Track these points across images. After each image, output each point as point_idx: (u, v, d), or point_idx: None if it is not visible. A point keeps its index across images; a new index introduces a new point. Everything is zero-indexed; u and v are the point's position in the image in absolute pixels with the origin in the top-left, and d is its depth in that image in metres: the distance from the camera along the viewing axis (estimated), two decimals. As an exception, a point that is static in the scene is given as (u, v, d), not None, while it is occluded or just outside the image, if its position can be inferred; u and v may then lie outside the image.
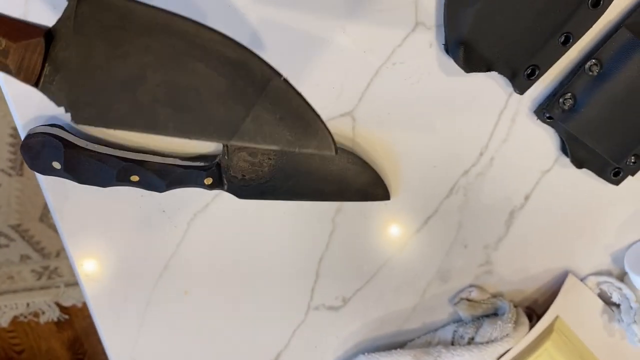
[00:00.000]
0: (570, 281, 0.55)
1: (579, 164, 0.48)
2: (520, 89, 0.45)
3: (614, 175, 0.50)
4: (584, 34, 0.43)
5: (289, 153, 0.45)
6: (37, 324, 1.43)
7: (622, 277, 0.56)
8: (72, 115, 0.29)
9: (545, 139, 0.49)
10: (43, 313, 1.43)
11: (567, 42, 0.43)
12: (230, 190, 0.45)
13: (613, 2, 0.42)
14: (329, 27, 0.42)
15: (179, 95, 0.28)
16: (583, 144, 0.47)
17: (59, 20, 0.28)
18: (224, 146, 0.44)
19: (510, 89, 0.45)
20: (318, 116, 0.30)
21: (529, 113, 0.47)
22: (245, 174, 0.45)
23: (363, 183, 0.48)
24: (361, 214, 0.51)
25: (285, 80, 0.29)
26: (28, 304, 1.41)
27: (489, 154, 0.49)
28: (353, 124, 0.46)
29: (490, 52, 0.42)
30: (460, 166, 0.49)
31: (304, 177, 0.46)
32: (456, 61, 0.42)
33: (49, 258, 1.38)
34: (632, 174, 0.49)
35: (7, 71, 0.27)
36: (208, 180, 0.44)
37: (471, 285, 0.55)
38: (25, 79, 0.28)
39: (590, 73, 0.44)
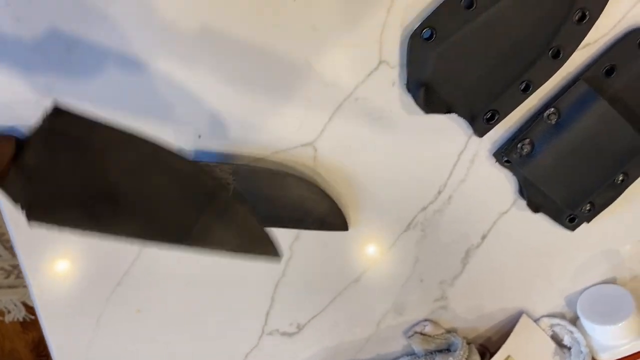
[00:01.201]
0: (523, 321, 0.56)
1: (535, 208, 0.49)
2: (480, 132, 0.45)
3: (570, 221, 0.50)
4: (543, 82, 0.44)
5: (249, 177, 0.45)
6: (1, 323, 1.41)
7: (575, 320, 0.57)
8: (27, 215, 0.31)
9: (504, 181, 0.49)
10: (8, 312, 1.40)
11: (527, 90, 0.44)
12: None
13: (573, 55, 0.43)
14: (293, 59, 0.42)
15: (136, 202, 0.31)
16: (539, 189, 0.47)
17: (32, 132, 0.30)
18: None
19: (470, 130, 0.46)
20: (262, 228, 0.35)
21: (488, 155, 0.48)
22: None
23: (322, 213, 0.48)
24: (319, 243, 0.51)
25: (234, 191, 0.34)
26: (-6, 302, 1.39)
27: (447, 192, 0.49)
28: (314, 154, 0.47)
29: (450, 95, 0.43)
30: (418, 202, 0.50)
31: (262, 203, 0.46)
32: (416, 102, 0.43)
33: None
34: (588, 221, 0.50)
35: None
36: None
37: (426, 320, 0.56)
38: None
39: (549, 121, 0.45)
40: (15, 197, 0.31)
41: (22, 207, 0.31)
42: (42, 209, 0.31)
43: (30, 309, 1.40)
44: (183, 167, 0.32)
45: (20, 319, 1.41)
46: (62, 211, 0.31)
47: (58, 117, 0.30)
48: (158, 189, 0.32)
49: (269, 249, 0.36)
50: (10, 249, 1.36)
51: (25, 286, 1.39)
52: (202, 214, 0.32)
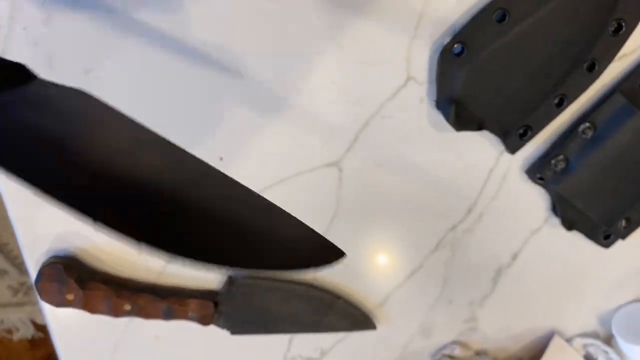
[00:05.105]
0: (556, 342, 0.54)
1: (569, 225, 0.47)
2: (512, 148, 0.43)
3: (605, 238, 0.48)
4: (578, 96, 0.42)
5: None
6: (10, 341, 1.39)
7: (609, 340, 0.55)
8: (231, 330, 0.49)
9: (536, 198, 0.47)
10: (17, 330, 1.39)
11: (562, 104, 0.42)
12: None
13: (609, 67, 0.42)
14: (318, 78, 0.41)
15: (283, 322, 0.50)
16: (574, 206, 0.46)
17: (220, 296, 0.48)
18: None
19: (502, 147, 0.44)
20: (366, 315, 0.51)
21: (519, 172, 0.46)
22: None
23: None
24: (343, 266, 0.49)
25: (345, 301, 0.49)
26: (2, 320, 1.37)
27: (477, 211, 0.47)
28: (340, 175, 0.45)
29: (482, 111, 0.41)
30: (447, 221, 0.48)
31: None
32: (447, 119, 0.41)
33: (27, 274, 1.34)
34: (623, 238, 0.48)
35: (193, 319, 0.48)
36: None
37: (454, 342, 0.54)
38: (204, 322, 0.48)
39: (584, 136, 0.43)
40: (221, 325, 0.49)
41: (228, 329, 0.49)
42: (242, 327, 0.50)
43: (39, 327, 1.39)
44: (315, 293, 0.49)
45: (29, 337, 1.40)
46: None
47: (233, 284, 0.48)
48: (297, 311, 0.49)
49: (368, 324, 0.51)
50: (18, 265, 1.34)
51: (34, 304, 1.37)
52: (326, 316, 0.49)
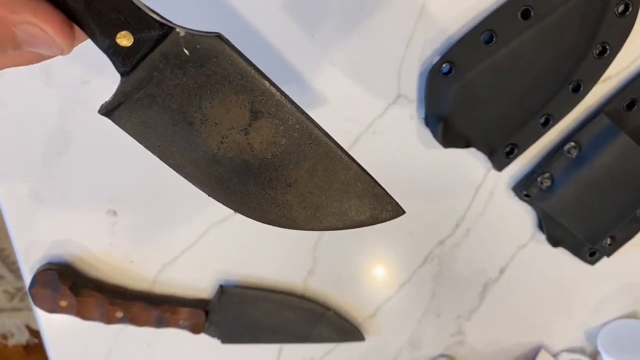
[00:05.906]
0: (542, 357, 0.54)
1: (554, 242, 0.48)
2: (499, 166, 0.44)
3: (590, 256, 0.49)
4: (563, 116, 0.43)
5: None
6: (5, 347, 1.39)
7: (595, 356, 0.55)
8: (221, 339, 0.50)
9: (523, 214, 0.48)
10: (12, 335, 1.39)
11: (547, 124, 0.43)
12: None
13: (594, 88, 0.43)
14: (310, 93, 0.42)
15: (274, 331, 0.50)
16: (559, 223, 0.47)
17: (211, 305, 0.48)
18: None
19: (489, 164, 0.45)
20: (355, 327, 0.51)
21: (506, 189, 0.47)
22: None
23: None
24: (334, 279, 0.50)
25: (335, 313, 0.50)
26: (-3, 325, 1.37)
27: (465, 226, 0.48)
28: (330, 188, 0.46)
29: (469, 129, 0.42)
30: (436, 236, 0.49)
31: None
32: (435, 136, 0.42)
33: (23, 280, 1.35)
34: (608, 255, 0.49)
35: (185, 327, 0.48)
36: None
37: (442, 355, 0.54)
38: (195, 331, 0.48)
39: (569, 155, 0.44)
40: (212, 334, 0.49)
41: (220, 337, 0.50)
42: (233, 336, 0.50)
43: (34, 332, 1.39)
44: (303, 304, 0.50)
45: (24, 343, 1.40)
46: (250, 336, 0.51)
47: (224, 293, 0.48)
48: (288, 322, 0.50)
49: (356, 335, 0.51)
50: (14, 271, 1.35)
51: (29, 309, 1.37)
52: (316, 327, 0.50)
